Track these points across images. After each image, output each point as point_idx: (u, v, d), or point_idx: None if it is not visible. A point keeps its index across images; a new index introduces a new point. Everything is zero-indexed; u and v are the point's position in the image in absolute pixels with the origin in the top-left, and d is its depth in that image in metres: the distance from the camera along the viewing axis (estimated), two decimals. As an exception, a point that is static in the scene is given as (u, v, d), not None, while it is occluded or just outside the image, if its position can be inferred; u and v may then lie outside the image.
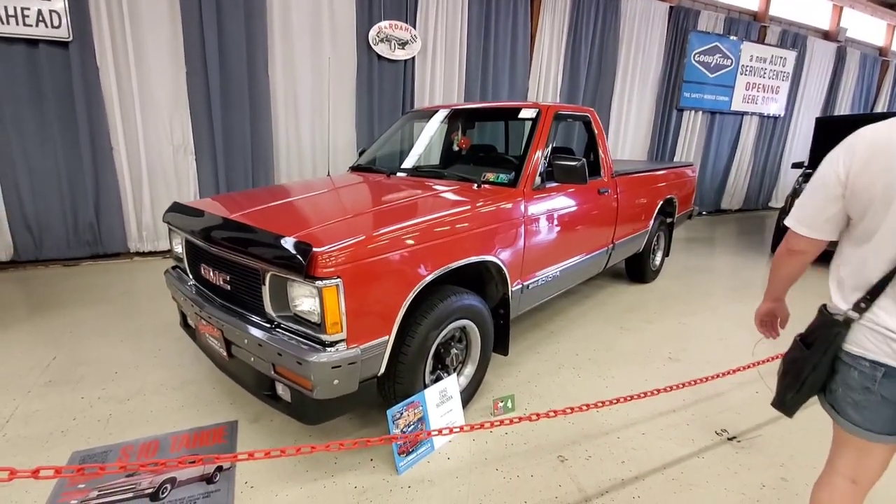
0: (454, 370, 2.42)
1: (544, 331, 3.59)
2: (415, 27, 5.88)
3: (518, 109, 3.13)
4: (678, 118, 8.49)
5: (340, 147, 5.83)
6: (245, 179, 5.41)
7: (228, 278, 2.07)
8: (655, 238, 4.73)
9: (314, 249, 1.68)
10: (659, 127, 8.33)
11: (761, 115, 9.47)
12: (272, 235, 1.83)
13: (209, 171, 5.24)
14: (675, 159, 8.67)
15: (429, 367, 2.22)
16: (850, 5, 10.04)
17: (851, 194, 1.17)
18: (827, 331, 1.26)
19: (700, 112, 8.66)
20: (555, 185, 2.84)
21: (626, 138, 8.09)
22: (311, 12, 5.36)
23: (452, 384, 2.28)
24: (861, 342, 1.19)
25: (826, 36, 10.16)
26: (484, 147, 3.78)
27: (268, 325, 1.91)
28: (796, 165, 6.81)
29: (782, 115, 9.72)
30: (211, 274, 2.17)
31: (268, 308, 1.89)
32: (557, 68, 7.03)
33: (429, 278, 2.03)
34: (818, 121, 6.04)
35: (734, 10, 8.76)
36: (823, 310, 1.30)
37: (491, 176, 2.76)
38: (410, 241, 1.97)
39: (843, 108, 10.63)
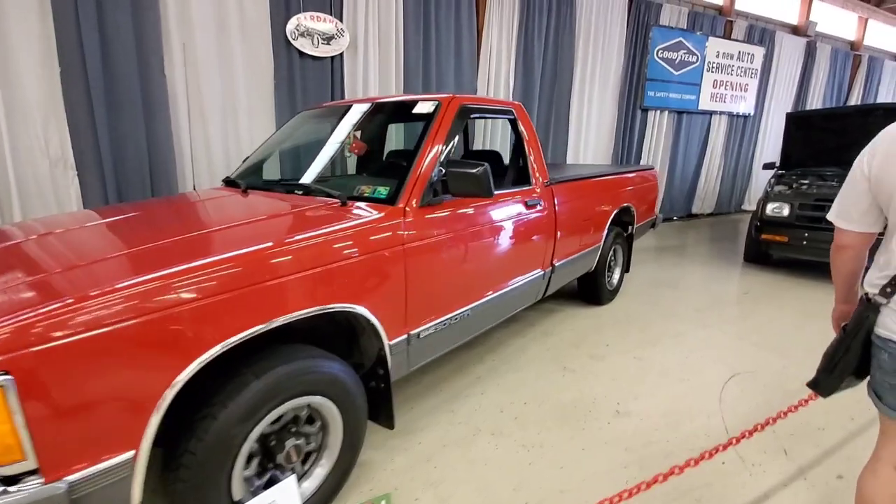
0: (306, 463, 1.72)
1: (469, 376, 2.91)
2: (341, 20, 5.21)
3: (414, 104, 2.45)
4: (643, 118, 7.96)
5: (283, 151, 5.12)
6: (143, 193, 4.65)
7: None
8: (611, 253, 4.11)
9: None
10: (623, 128, 7.78)
11: (730, 114, 9.01)
12: None
13: (96, 187, 4.47)
14: (641, 162, 8.13)
15: (242, 472, 1.52)
16: (817, -1, 9.70)
17: (876, 187, 1.23)
18: (858, 315, 1.31)
19: (666, 112, 8.14)
20: (455, 199, 2.17)
21: (589, 141, 7.52)
22: (214, 2, 4.65)
23: (288, 492, 1.58)
24: (888, 325, 1.24)
25: (795, 31, 9.79)
26: (401, 153, 3.11)
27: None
28: (768, 166, 6.30)
29: (752, 113, 9.28)
30: None
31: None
32: (509, 66, 6.42)
33: (215, 350, 1.34)
34: (789, 116, 5.53)
35: (698, 4, 8.29)
36: (863, 296, 1.33)
37: (367, 189, 2.08)
38: (179, 296, 1.27)
39: (814, 104, 10.25)
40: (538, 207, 2.81)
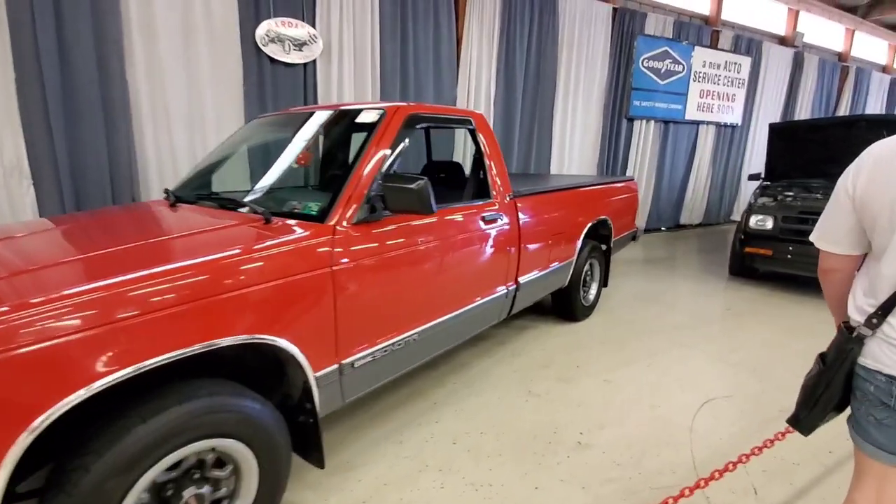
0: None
1: (426, 401, 2.73)
2: (314, 26, 5.08)
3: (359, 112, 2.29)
4: (629, 128, 7.85)
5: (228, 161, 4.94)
6: (103, 202, 4.45)
7: None
8: (586, 268, 3.95)
9: None
10: (608, 138, 7.66)
11: (718, 125, 8.92)
12: None
13: (53, 198, 4.28)
14: (627, 173, 8.00)
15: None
16: (805, 9, 9.66)
17: (860, 208, 1.17)
18: (841, 346, 1.22)
19: (652, 121, 8.03)
20: (396, 215, 2.00)
21: (573, 151, 7.39)
22: (179, 6, 4.50)
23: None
24: (876, 355, 1.17)
25: (783, 41, 9.75)
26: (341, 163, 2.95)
27: None
28: (753, 177, 6.18)
29: (740, 123, 9.20)
30: None
31: None
32: (490, 74, 6.29)
33: (74, 396, 1.16)
34: (772, 127, 5.41)
35: (684, 13, 8.23)
36: (842, 325, 1.24)
37: (298, 205, 1.91)
38: (34, 330, 1.10)
39: (803, 115, 10.18)
40: (499, 222, 2.65)
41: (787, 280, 5.25)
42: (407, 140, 2.13)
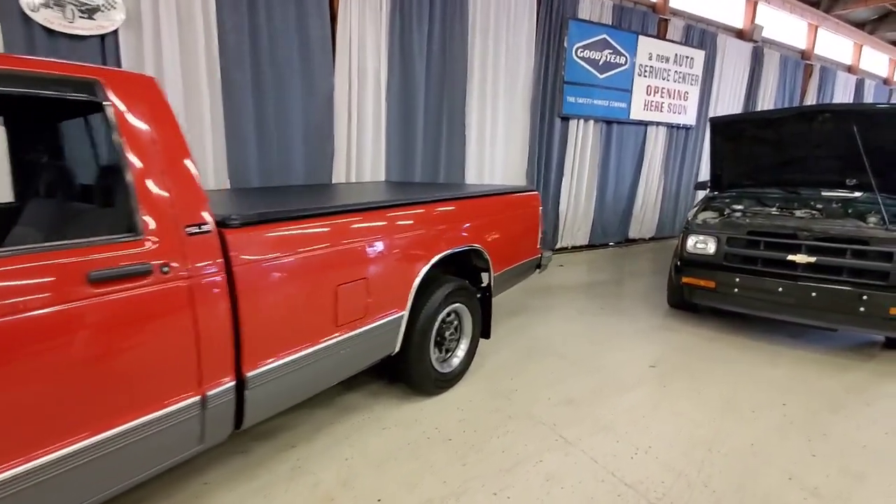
0: None
1: None
2: (113, -13, 3.80)
3: None
4: (563, 129, 6.72)
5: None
6: None
7: None
8: (443, 319, 2.73)
9: None
10: (539, 141, 6.51)
11: (669, 125, 7.88)
12: None
13: None
14: (563, 181, 6.88)
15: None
16: (765, 1, 8.74)
17: None
18: None
19: (591, 121, 6.92)
20: None
21: (496, 156, 6.21)
22: None
23: None
24: None
25: (740, 35, 8.80)
26: None
27: None
28: (700, 186, 5.09)
29: (694, 124, 8.18)
30: None
31: None
32: (379, 60, 5.08)
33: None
34: (713, 123, 4.30)
35: (627, -3, 7.18)
36: None
37: None
38: None
39: (763, 117, 9.25)
40: (151, 277, 1.40)
41: (737, 316, 4.12)
42: None
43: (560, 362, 3.33)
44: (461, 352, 2.96)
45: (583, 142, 6.94)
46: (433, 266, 2.56)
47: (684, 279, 3.90)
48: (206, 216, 1.56)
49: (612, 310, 4.54)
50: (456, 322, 2.95)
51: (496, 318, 4.17)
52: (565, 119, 6.67)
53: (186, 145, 1.59)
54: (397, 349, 2.45)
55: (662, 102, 7.62)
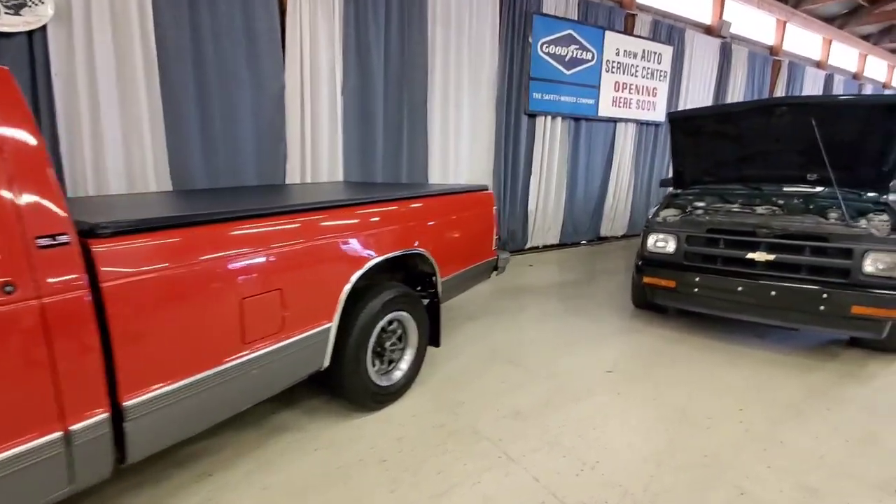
0: None
1: None
2: (36, -23, 3.54)
3: None
4: (530, 126, 6.58)
5: None
6: None
7: None
8: (382, 328, 2.55)
9: None
10: (505, 138, 6.36)
11: (638, 122, 7.80)
12: None
13: None
14: (531, 179, 6.74)
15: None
16: (731, -4, 8.73)
17: None
18: None
19: (559, 118, 6.80)
20: None
21: (461, 155, 6.04)
22: None
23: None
24: None
25: (708, 31, 8.77)
26: None
27: None
28: (665, 183, 4.98)
29: (663, 120, 8.11)
30: None
31: None
32: (333, 56, 4.87)
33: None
34: (671, 118, 4.19)
35: (593, -8, 7.07)
36: None
37: None
38: None
39: (733, 113, 9.24)
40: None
41: (703, 316, 4.00)
42: None
43: (515, 370, 3.17)
44: (405, 363, 2.78)
45: (551, 139, 6.81)
46: (370, 272, 2.38)
47: (646, 279, 3.78)
48: (65, 226, 1.35)
49: (578, 311, 4.40)
50: (400, 331, 2.77)
51: (457, 322, 4.02)
52: (532, 116, 6.53)
53: (44, 147, 1.38)
54: (326, 364, 2.26)
55: (631, 99, 7.54)
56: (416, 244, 2.71)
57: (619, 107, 7.43)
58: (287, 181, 4.80)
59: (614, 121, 7.48)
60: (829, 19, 11.56)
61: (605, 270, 6.19)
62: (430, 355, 3.25)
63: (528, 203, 6.82)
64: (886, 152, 3.33)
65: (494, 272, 3.67)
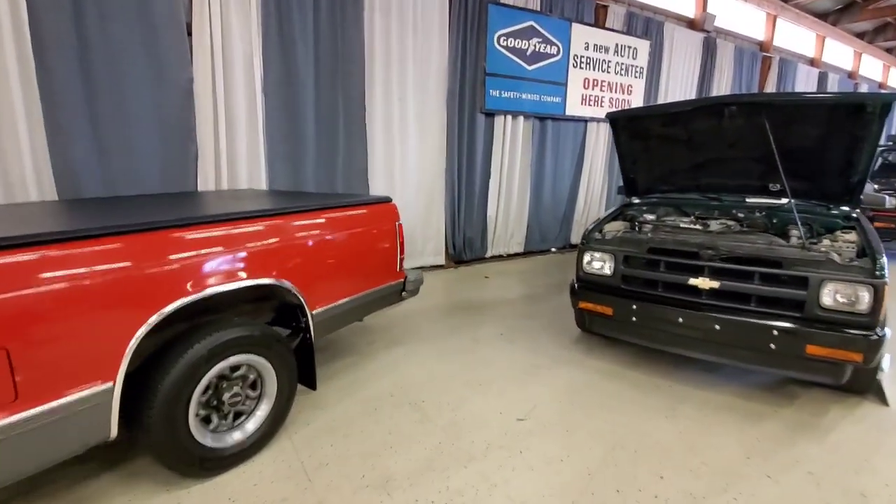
0: None
1: None
2: None
3: None
4: (488, 126, 6.07)
5: None
6: None
7: None
8: (227, 377, 2.07)
9: None
10: (459, 138, 5.85)
11: (611, 122, 7.27)
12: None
13: None
14: (490, 183, 6.23)
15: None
16: (715, -12, 8.20)
17: None
18: None
19: (521, 117, 6.29)
20: None
21: (408, 158, 5.54)
22: None
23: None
24: None
25: (692, 25, 8.25)
26: None
27: None
28: (621, 191, 4.46)
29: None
30: None
31: None
32: (251, 46, 4.37)
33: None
34: (612, 120, 3.65)
35: (560, -19, 6.54)
36: None
37: None
38: None
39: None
40: None
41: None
42: None
43: (411, 416, 2.68)
44: (257, 417, 2.28)
45: (512, 140, 6.30)
46: (186, 312, 1.89)
47: (581, 304, 3.28)
48: None
49: (515, 337, 3.90)
50: (253, 377, 2.28)
51: (372, 350, 3.53)
52: (489, 115, 6.02)
53: None
54: (114, 433, 1.77)
55: (603, 97, 7.02)
56: (273, 273, 2.22)
57: (590, 105, 6.91)
58: (200, 188, 4.30)
59: (584, 120, 6.97)
60: (821, 15, 11.00)
61: (566, 283, 5.67)
62: (316, 397, 2.78)
63: (488, 208, 6.32)
64: (854, 160, 2.81)
65: (402, 295, 3.17)
